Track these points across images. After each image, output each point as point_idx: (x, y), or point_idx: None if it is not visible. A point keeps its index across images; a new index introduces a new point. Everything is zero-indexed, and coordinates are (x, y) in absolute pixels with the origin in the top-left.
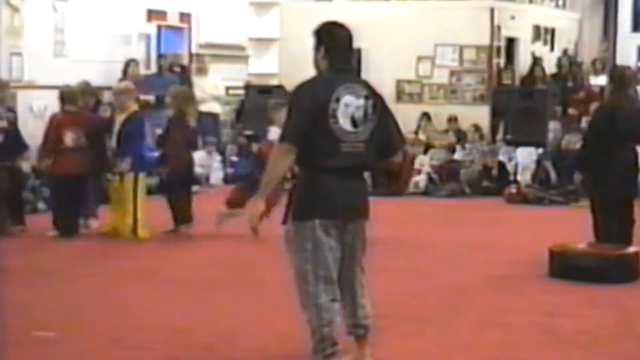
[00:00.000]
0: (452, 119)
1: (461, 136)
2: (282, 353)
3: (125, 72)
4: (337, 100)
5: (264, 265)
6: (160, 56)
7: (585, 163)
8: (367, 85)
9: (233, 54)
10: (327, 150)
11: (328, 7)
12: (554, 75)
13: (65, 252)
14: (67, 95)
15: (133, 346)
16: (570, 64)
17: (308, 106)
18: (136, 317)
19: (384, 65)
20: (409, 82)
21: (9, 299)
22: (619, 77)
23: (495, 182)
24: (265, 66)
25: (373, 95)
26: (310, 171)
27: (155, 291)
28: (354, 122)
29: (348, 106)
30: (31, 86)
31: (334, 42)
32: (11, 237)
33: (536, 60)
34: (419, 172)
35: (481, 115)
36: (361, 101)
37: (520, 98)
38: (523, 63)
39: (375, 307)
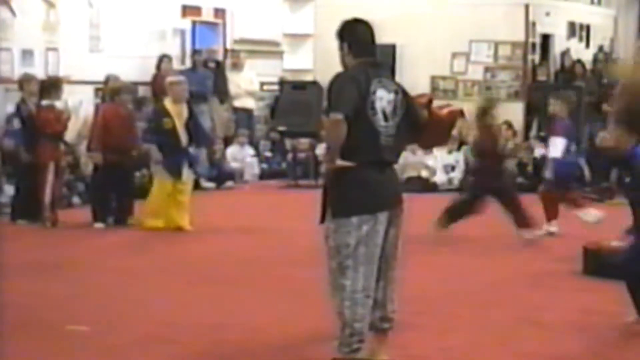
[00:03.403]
0: None
1: None
2: (314, 350)
3: (158, 67)
4: (374, 92)
5: (295, 263)
6: (195, 52)
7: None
8: (394, 80)
9: (267, 49)
10: (368, 142)
11: (363, 2)
12: (592, 71)
13: (100, 246)
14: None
15: (166, 341)
16: (606, 61)
17: (355, 90)
18: (169, 313)
19: (419, 61)
20: (444, 78)
21: (44, 292)
22: None
23: (530, 178)
24: (300, 62)
25: (401, 90)
26: (351, 166)
27: (188, 287)
28: (385, 116)
29: (381, 100)
30: (66, 81)
31: (356, 37)
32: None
33: (564, 55)
34: (453, 168)
35: (516, 111)
36: (392, 96)
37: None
38: (558, 59)
39: (410, 304)
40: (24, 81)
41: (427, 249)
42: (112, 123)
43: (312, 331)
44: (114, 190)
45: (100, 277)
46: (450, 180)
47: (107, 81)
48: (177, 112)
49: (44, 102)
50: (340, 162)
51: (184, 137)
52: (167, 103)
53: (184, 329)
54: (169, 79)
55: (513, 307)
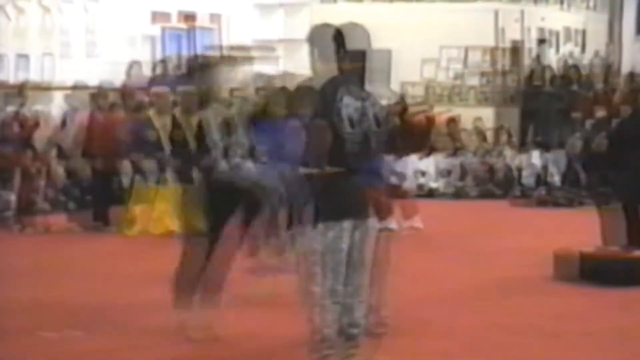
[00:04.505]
0: (451, 121)
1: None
2: (288, 357)
3: (128, 73)
4: (341, 99)
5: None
6: (190, 57)
7: (613, 164)
8: (364, 88)
9: (263, 55)
10: (334, 149)
11: (357, 8)
12: (587, 77)
13: (90, 252)
14: None
15: (159, 346)
16: (602, 66)
17: (321, 105)
18: (160, 318)
19: (414, 65)
20: (413, 84)
21: (36, 297)
22: None
23: (500, 185)
24: (295, 67)
25: (370, 98)
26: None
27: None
28: (351, 123)
29: (347, 107)
30: (62, 87)
31: (324, 42)
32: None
33: (559, 61)
34: (423, 174)
35: (512, 117)
36: (359, 103)
37: (551, 100)
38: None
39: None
40: (23, 87)
41: (399, 255)
42: (100, 130)
43: (288, 338)
44: (102, 195)
45: (90, 283)
46: (420, 186)
47: (100, 87)
48: (162, 124)
49: (9, 108)
50: (303, 170)
51: (167, 148)
52: (152, 114)
53: (174, 334)
54: (153, 90)
55: (483, 313)
